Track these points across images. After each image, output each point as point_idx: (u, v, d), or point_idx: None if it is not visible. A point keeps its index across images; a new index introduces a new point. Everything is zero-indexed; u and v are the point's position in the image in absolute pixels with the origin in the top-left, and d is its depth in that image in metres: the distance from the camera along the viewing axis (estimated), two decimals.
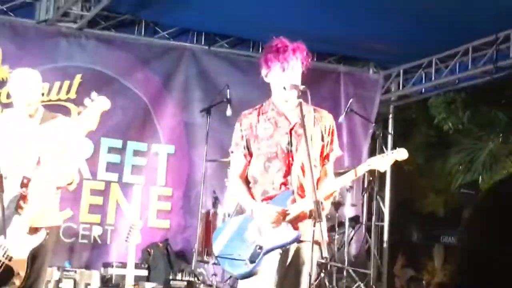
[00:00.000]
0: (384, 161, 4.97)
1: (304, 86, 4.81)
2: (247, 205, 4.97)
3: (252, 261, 4.74)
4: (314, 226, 4.53)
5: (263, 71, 4.98)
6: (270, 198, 4.88)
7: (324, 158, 5.04)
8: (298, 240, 4.80)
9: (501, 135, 13.95)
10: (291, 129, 4.94)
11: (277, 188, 4.89)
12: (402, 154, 4.99)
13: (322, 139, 4.92)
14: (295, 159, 4.90)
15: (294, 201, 4.83)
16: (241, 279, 4.85)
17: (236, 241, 4.85)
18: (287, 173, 4.89)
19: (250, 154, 4.97)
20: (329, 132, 5.01)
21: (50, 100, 9.80)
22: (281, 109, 4.98)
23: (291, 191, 4.86)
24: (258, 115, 4.99)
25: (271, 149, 4.91)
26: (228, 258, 4.81)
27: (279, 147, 4.91)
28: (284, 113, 4.97)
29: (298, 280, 4.85)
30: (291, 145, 4.91)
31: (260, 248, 4.77)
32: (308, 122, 4.88)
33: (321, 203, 4.60)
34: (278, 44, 4.94)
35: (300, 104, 4.80)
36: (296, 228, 4.81)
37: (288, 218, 4.78)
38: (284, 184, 4.88)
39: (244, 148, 4.96)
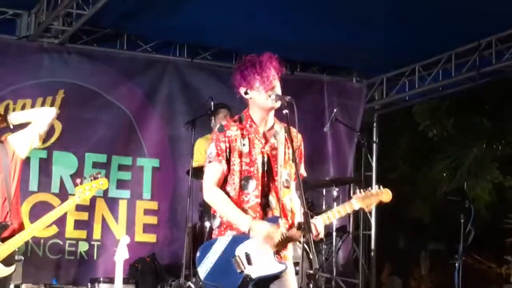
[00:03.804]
0: (369, 201, 5.00)
1: (289, 97, 4.79)
2: (239, 220, 4.77)
3: None
4: (304, 237, 4.51)
5: (242, 89, 4.94)
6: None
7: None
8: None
9: (485, 141, 13.99)
10: (268, 149, 4.91)
11: (253, 208, 4.82)
12: (387, 195, 5.04)
13: (293, 160, 4.88)
14: (271, 180, 4.87)
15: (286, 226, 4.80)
16: None
17: (223, 267, 4.76)
18: (262, 193, 4.85)
19: (228, 169, 4.89)
20: (298, 152, 4.99)
21: None
22: (259, 127, 4.95)
23: (278, 217, 4.82)
24: (238, 129, 4.92)
25: (249, 167, 4.86)
26: (215, 287, 4.75)
27: (256, 166, 4.87)
28: (261, 131, 4.95)
29: None
30: (267, 166, 4.88)
31: (249, 278, 4.72)
32: (281, 141, 4.92)
33: (310, 215, 4.58)
34: (251, 59, 4.92)
35: (287, 117, 4.78)
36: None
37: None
38: (260, 204, 4.83)
39: (226, 161, 4.86)
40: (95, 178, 5.94)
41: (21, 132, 5.94)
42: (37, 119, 5.97)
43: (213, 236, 4.92)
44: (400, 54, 10.71)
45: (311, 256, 4.66)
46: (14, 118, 5.95)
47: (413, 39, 9.91)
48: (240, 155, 4.87)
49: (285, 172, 4.91)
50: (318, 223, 4.83)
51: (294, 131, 4.90)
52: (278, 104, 4.85)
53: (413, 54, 10.86)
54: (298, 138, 5.00)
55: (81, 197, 5.89)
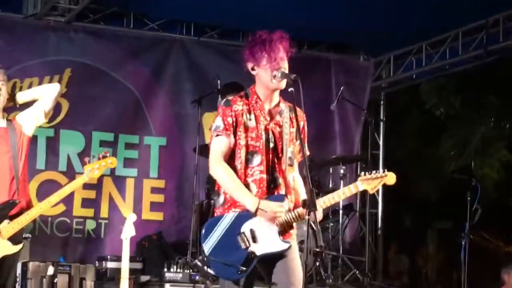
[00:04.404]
0: (374, 184, 4.96)
1: (295, 75, 4.78)
2: (246, 200, 4.76)
3: (245, 269, 4.71)
4: (309, 214, 4.53)
5: (249, 65, 4.93)
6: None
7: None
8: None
9: (492, 119, 13.95)
10: (273, 126, 4.91)
11: (256, 182, 4.83)
12: (391, 178, 5.00)
13: (298, 138, 4.90)
14: (276, 157, 4.88)
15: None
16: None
17: (228, 244, 4.77)
18: (267, 169, 4.85)
19: (234, 143, 4.88)
20: (302, 131, 4.97)
21: None
22: (265, 103, 4.95)
23: (284, 195, 4.83)
24: (244, 105, 4.92)
25: (254, 142, 4.87)
26: (219, 262, 4.75)
27: (261, 142, 4.87)
28: (267, 108, 4.95)
29: (292, 270, 4.82)
30: (272, 142, 4.89)
31: (253, 255, 4.73)
32: (286, 119, 4.92)
33: (316, 192, 4.59)
34: (262, 35, 4.89)
35: (292, 95, 4.77)
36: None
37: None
38: (265, 180, 4.83)
39: (232, 134, 4.86)
40: (103, 157, 5.98)
41: (27, 110, 6.00)
42: (42, 95, 6.02)
43: (216, 213, 4.92)
44: (407, 32, 10.65)
45: (316, 234, 4.67)
46: (20, 97, 6.02)
47: (420, 17, 9.87)
48: (246, 129, 4.87)
49: (289, 150, 4.92)
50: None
51: (298, 110, 4.92)
52: (282, 85, 4.85)
53: (420, 32, 10.80)
54: (303, 116, 5.00)
55: (89, 176, 5.95)
